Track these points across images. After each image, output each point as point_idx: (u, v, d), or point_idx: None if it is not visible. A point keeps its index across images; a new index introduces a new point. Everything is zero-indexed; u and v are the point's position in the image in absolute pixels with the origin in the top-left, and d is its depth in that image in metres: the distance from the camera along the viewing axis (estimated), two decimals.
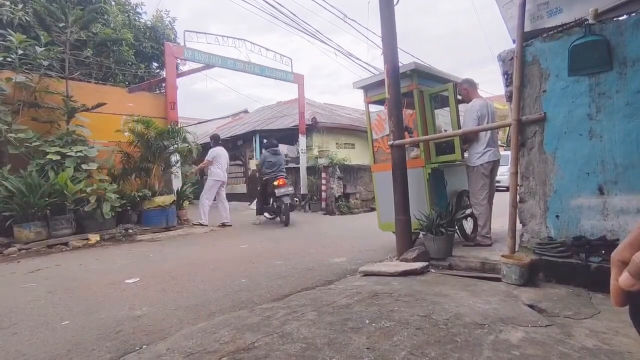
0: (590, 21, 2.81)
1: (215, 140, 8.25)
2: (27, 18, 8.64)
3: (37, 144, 6.03)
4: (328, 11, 9.57)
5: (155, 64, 12.83)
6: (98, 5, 9.63)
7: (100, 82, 9.59)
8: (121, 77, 11.03)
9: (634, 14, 2.74)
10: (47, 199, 5.65)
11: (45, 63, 6.49)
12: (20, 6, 8.81)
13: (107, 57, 10.27)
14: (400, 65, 4.10)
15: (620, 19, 2.80)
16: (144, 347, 2.14)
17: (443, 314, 2.31)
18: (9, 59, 6.18)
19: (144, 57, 12.11)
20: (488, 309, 2.37)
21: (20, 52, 6.20)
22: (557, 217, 3.06)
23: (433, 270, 3.49)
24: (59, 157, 6.06)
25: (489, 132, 4.03)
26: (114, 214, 6.35)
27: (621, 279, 0.37)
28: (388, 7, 3.96)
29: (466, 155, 4.15)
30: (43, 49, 6.46)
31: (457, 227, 4.12)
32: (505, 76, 3.33)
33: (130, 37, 10.91)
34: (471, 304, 2.48)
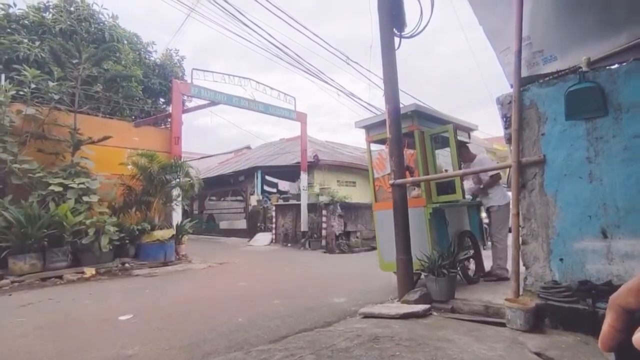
0: (584, 69, 2.93)
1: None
2: (42, 54, 9.00)
3: (40, 174, 6.08)
4: (329, 52, 9.90)
5: (162, 99, 13.16)
6: (111, 44, 10.05)
7: (108, 115, 9.81)
8: (128, 111, 11.29)
9: (624, 63, 2.85)
10: (45, 230, 5.61)
11: (56, 97, 6.69)
12: (37, 43, 9.20)
13: (115, 92, 10.58)
14: (401, 106, 4.21)
15: (612, 67, 2.91)
16: None
17: None
18: (21, 92, 6.38)
19: (151, 93, 12.45)
20: (493, 356, 2.28)
21: (33, 85, 6.41)
22: (561, 260, 3.01)
23: (435, 313, 3.39)
24: (60, 189, 6.09)
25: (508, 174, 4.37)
26: (111, 247, 6.28)
27: (637, 337, 0.33)
28: (389, 52, 4.14)
29: (489, 196, 4.51)
30: (55, 83, 6.68)
31: (459, 268, 4.05)
32: (504, 119, 3.41)
33: (140, 74, 11.29)
34: (475, 350, 2.39)
